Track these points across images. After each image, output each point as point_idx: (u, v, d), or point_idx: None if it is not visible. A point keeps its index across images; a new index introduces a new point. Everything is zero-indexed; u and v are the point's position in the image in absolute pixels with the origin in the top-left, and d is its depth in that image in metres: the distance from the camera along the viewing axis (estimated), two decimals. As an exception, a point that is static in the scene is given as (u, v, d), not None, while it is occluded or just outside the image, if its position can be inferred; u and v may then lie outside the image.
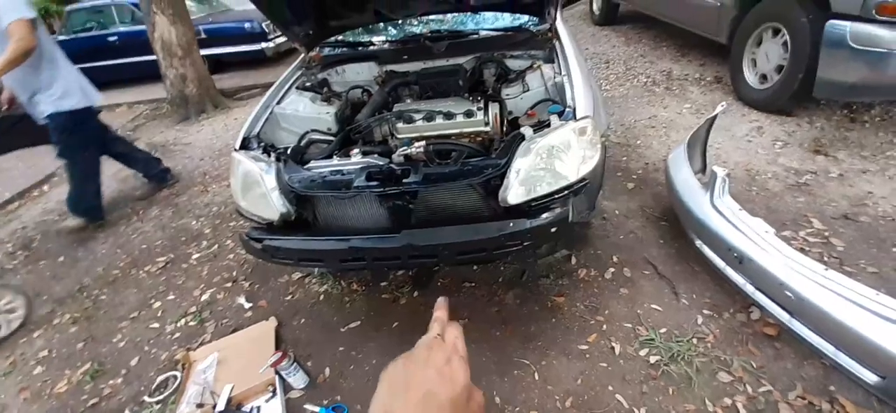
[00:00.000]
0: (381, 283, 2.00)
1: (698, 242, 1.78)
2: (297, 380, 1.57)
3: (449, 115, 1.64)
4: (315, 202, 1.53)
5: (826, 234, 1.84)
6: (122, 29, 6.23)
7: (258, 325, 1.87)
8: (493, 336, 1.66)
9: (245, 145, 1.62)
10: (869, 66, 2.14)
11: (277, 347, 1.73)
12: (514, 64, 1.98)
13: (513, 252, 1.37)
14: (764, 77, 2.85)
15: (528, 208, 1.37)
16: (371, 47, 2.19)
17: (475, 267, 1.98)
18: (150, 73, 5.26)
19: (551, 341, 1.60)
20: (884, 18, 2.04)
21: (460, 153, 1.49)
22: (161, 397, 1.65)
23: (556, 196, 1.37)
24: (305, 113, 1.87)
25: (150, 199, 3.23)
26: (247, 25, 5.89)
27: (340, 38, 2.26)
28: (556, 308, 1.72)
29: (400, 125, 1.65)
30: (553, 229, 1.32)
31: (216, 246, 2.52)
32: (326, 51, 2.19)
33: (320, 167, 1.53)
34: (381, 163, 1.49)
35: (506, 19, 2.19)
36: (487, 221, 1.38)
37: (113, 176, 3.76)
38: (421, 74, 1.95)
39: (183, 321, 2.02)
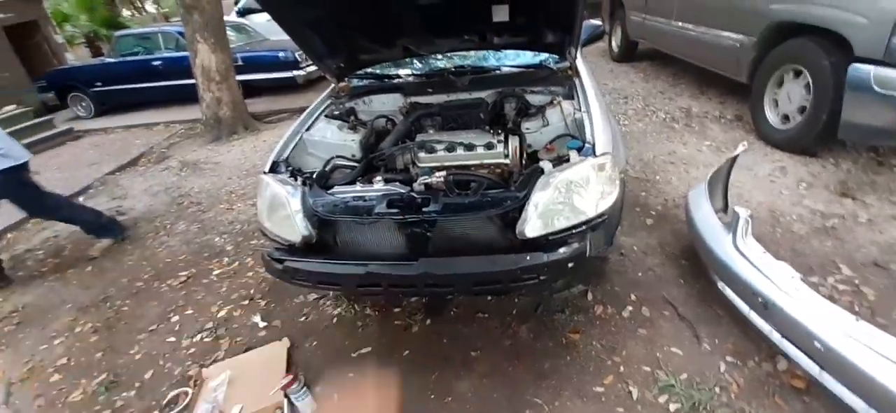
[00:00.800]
0: (395, 309, 1.99)
1: (721, 284, 1.73)
2: (306, 405, 1.56)
3: (469, 147, 1.67)
4: (336, 226, 1.57)
5: (856, 281, 1.77)
6: (166, 54, 6.66)
7: (271, 345, 1.88)
8: (505, 370, 1.63)
9: (274, 169, 1.69)
10: (895, 111, 2.11)
11: (288, 369, 1.73)
12: (535, 99, 2.03)
13: (529, 285, 1.37)
14: (786, 117, 2.83)
15: (546, 242, 1.37)
16: (397, 79, 2.28)
17: (489, 298, 1.96)
18: (189, 96, 5.58)
19: (566, 380, 1.55)
20: (910, 64, 2.02)
21: (480, 184, 1.52)
22: (172, 413, 1.66)
23: (574, 231, 1.37)
24: (332, 140, 1.95)
25: (176, 215, 3.34)
26: (281, 55, 6.23)
27: (369, 70, 2.36)
28: (571, 345, 1.68)
29: (421, 154, 1.69)
30: (570, 264, 1.32)
31: (237, 263, 2.58)
32: (354, 82, 2.29)
33: (343, 192, 1.58)
34: (401, 191, 1.53)
35: (527, 57, 2.25)
36: (504, 253, 1.39)
37: (145, 191, 3.94)
38: (444, 106, 2.01)
39: (198, 337, 2.04)
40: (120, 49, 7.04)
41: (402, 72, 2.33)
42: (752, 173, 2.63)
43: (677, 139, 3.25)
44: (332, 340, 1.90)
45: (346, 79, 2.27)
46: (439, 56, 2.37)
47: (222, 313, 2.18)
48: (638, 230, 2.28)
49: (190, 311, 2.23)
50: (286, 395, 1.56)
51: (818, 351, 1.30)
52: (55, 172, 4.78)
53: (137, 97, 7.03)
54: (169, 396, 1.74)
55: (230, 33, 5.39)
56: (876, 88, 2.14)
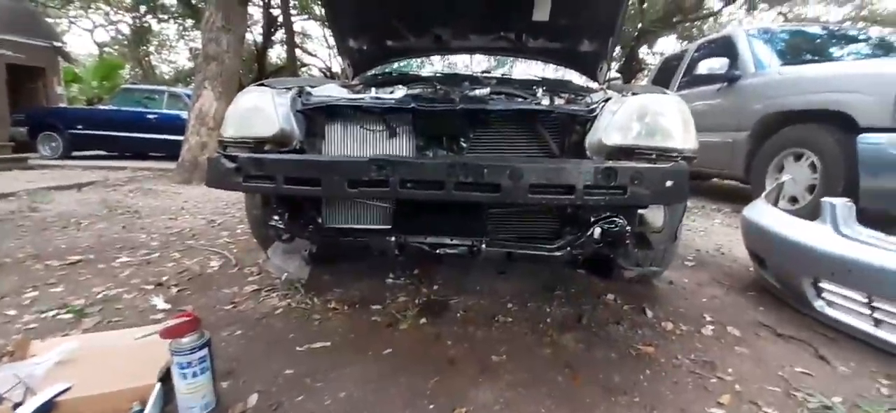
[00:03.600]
0: (373, 306, 1.37)
1: (819, 303, 1.30)
2: (194, 392, 0.84)
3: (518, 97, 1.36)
4: (330, 130, 1.15)
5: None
6: (163, 111, 6.58)
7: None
8: (552, 381, 1.00)
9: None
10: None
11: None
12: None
13: (611, 198, 0.92)
14: (794, 198, 2.77)
15: (629, 156, 1.00)
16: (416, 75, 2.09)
17: (511, 305, 1.40)
18: (173, 152, 5.28)
19: (657, 398, 0.94)
20: (922, 126, 2.05)
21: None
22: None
23: (665, 154, 1.02)
24: (339, 95, 1.62)
25: (103, 217, 2.65)
26: None
27: (388, 69, 2.20)
28: (645, 358, 1.10)
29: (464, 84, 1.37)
30: (668, 182, 0.92)
31: (157, 255, 1.89)
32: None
33: (350, 94, 1.20)
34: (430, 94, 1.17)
35: (556, 73, 2.16)
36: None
37: (77, 201, 3.25)
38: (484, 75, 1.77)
39: (53, 313, 1.28)
40: (119, 101, 6.93)
41: (423, 73, 2.16)
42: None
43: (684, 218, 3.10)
44: (268, 331, 1.21)
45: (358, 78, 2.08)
46: (456, 66, 2.26)
47: (106, 293, 1.44)
48: (680, 269, 1.87)
49: (59, 289, 1.48)
50: (168, 365, 0.85)
51: None
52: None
53: (118, 146, 6.65)
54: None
55: None
56: (893, 152, 2.13)
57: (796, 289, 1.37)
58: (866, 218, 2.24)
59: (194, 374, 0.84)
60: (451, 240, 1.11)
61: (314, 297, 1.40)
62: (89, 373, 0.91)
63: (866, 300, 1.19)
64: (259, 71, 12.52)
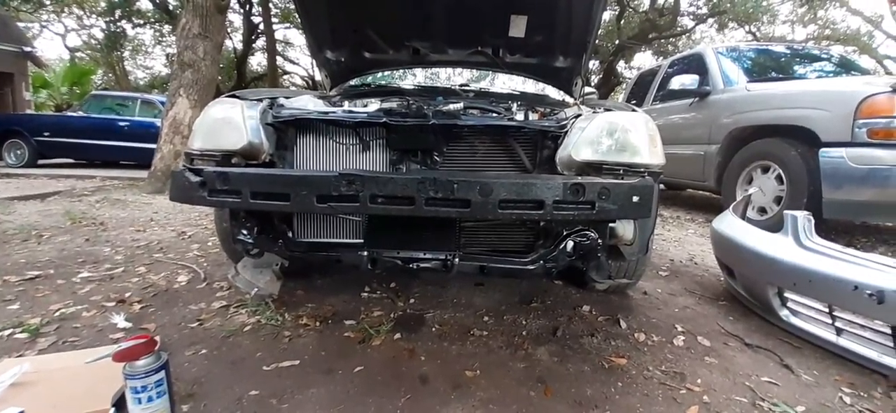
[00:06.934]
0: (347, 321, 1.34)
1: (784, 313, 1.34)
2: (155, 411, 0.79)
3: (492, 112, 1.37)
4: (299, 146, 1.13)
5: None
6: (135, 118, 6.38)
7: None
8: (525, 397, 0.99)
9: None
10: (876, 185, 2.17)
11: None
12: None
13: (580, 214, 0.93)
14: (763, 210, 2.88)
15: (599, 171, 1.02)
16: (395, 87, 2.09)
17: (487, 318, 1.39)
18: (145, 160, 5.11)
19: (628, 410, 0.95)
20: (877, 142, 2.17)
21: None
22: None
23: (633, 170, 1.04)
24: (312, 107, 1.60)
25: (66, 230, 2.53)
26: None
27: (368, 80, 2.19)
28: (617, 371, 1.11)
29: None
30: (635, 197, 0.94)
31: (121, 270, 1.80)
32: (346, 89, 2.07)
33: (322, 107, 1.19)
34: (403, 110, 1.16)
35: (535, 87, 2.18)
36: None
37: (39, 212, 3.09)
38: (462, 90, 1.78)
39: (9, 332, 1.20)
40: (89, 108, 6.67)
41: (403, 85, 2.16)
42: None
43: (658, 226, 3.17)
44: (233, 350, 1.16)
45: (335, 89, 2.06)
46: (437, 79, 2.28)
47: (64, 310, 1.37)
48: (654, 279, 1.91)
49: (14, 306, 1.39)
50: (123, 389, 0.80)
51: None
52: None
53: (87, 154, 6.41)
54: None
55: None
56: (853, 165, 2.24)
57: (762, 298, 1.42)
58: (830, 228, 2.34)
59: (150, 399, 0.79)
60: (424, 254, 1.10)
61: (285, 313, 1.36)
62: (43, 396, 0.85)
63: (827, 310, 1.23)
64: (238, 79, 12.33)
